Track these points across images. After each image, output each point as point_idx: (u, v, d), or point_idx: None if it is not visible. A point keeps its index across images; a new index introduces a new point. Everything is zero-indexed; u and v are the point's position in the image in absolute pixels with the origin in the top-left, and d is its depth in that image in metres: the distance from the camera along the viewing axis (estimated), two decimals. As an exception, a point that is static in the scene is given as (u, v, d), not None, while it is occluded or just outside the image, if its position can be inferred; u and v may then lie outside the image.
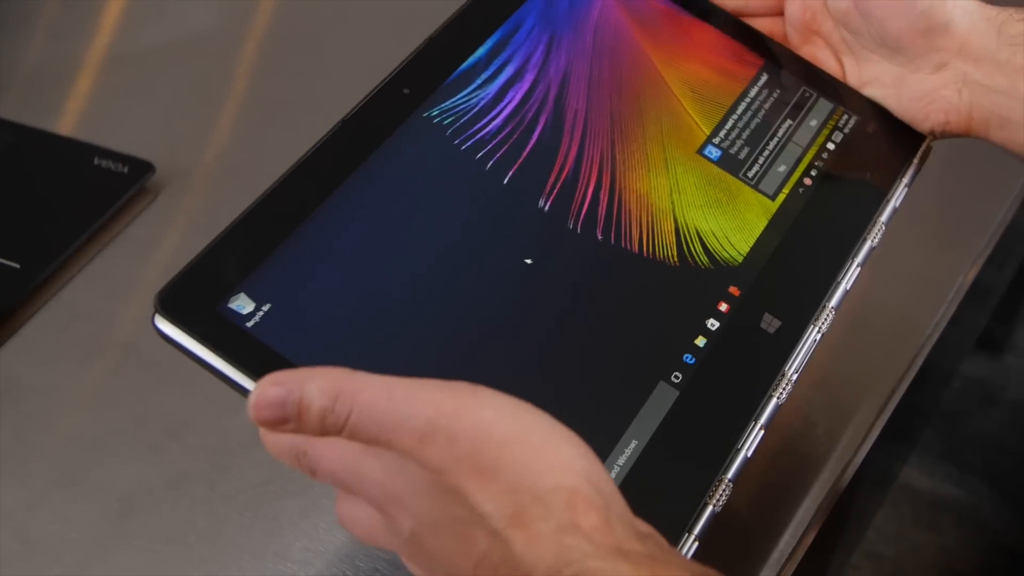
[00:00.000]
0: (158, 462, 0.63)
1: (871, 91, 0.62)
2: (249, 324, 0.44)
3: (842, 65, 0.63)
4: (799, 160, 0.59)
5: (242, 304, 0.44)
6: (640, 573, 0.37)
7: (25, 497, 0.61)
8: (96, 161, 0.78)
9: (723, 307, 0.52)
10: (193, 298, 0.44)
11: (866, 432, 0.65)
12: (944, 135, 0.61)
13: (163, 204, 0.78)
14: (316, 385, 0.39)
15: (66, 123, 0.84)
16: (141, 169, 0.77)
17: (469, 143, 0.52)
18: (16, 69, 0.90)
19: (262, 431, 0.43)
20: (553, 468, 0.39)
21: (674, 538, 0.44)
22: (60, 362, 0.68)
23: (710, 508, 0.46)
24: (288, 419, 0.40)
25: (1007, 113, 0.57)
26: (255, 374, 0.42)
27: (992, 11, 0.58)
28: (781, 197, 0.57)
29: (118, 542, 0.59)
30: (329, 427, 0.39)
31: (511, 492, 0.38)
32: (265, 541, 0.59)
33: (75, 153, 0.79)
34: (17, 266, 0.71)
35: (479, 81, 0.54)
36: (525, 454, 0.39)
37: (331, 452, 0.42)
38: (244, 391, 0.43)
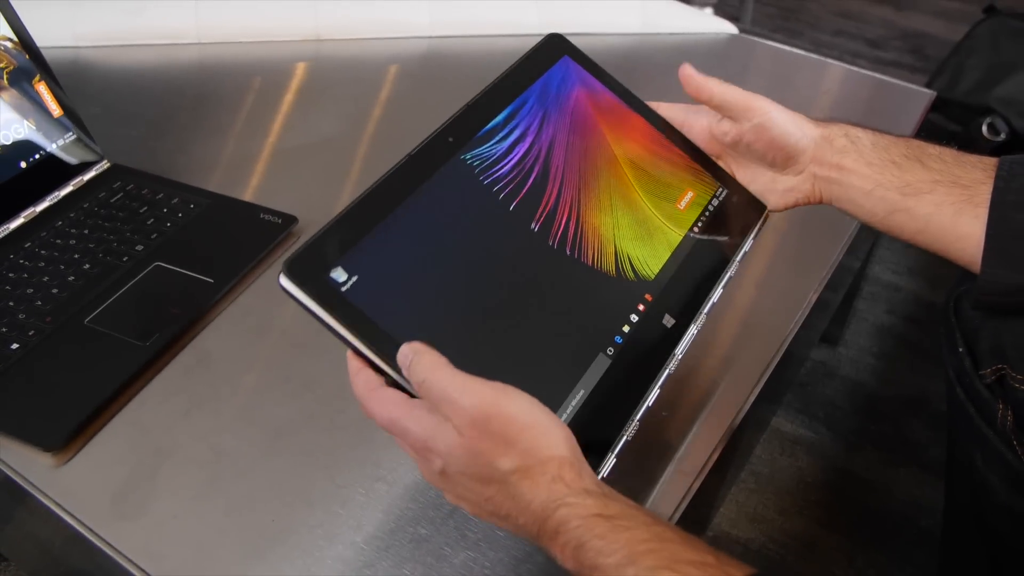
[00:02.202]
0: (298, 405, 0.63)
1: (752, 187, 0.61)
2: (343, 289, 0.43)
3: (730, 168, 0.62)
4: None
5: (339, 275, 0.43)
6: (597, 503, 0.40)
7: (215, 425, 0.61)
8: (261, 215, 0.78)
9: (641, 307, 0.52)
10: (307, 268, 0.43)
11: (749, 394, 0.65)
12: (798, 206, 0.61)
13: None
14: (412, 350, 0.43)
15: (245, 192, 0.84)
16: (289, 220, 0.77)
17: (489, 180, 0.51)
18: (218, 158, 0.90)
19: (351, 374, 0.45)
20: (550, 444, 0.41)
21: (600, 454, 0.46)
22: (237, 341, 0.68)
23: (624, 437, 0.47)
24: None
25: (840, 194, 0.58)
26: (346, 324, 0.43)
27: (826, 131, 0.58)
28: (679, 237, 0.56)
29: (272, 455, 0.59)
30: (409, 376, 0.43)
31: (523, 456, 0.41)
32: (365, 454, 0.59)
33: (248, 211, 0.79)
34: (211, 280, 0.71)
35: (497, 138, 0.53)
36: (534, 434, 0.41)
37: (382, 411, 0.44)
38: (339, 335, 0.43)
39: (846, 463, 1.24)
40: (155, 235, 0.75)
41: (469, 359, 0.43)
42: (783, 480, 1.21)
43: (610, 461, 0.46)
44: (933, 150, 0.57)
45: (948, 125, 1.89)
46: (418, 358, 0.42)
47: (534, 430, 0.41)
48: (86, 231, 0.76)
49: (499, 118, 0.54)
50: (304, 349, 0.67)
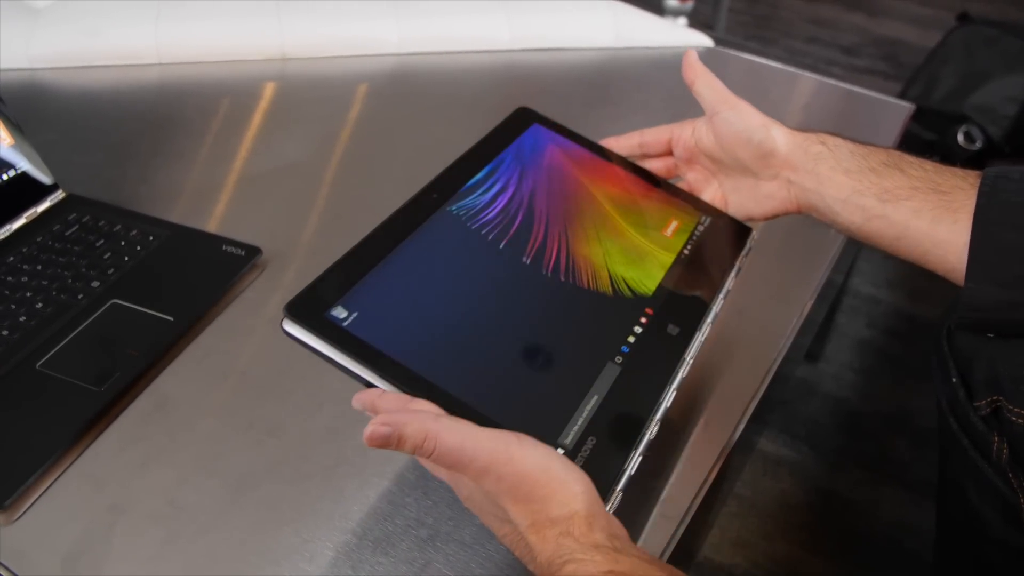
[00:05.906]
0: (262, 452, 0.60)
1: (733, 196, 0.63)
2: (345, 324, 0.46)
3: (715, 180, 0.63)
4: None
5: (339, 312, 0.46)
6: (607, 558, 0.39)
7: (173, 476, 0.58)
8: (224, 247, 0.75)
9: (643, 320, 0.54)
10: (307, 309, 0.46)
11: (739, 419, 0.64)
12: (779, 216, 0.62)
13: (268, 276, 0.75)
14: (410, 429, 0.41)
15: (209, 221, 0.82)
16: (253, 252, 0.74)
17: (477, 225, 0.55)
18: (180, 186, 0.87)
19: (369, 404, 0.45)
20: (564, 501, 0.41)
21: (624, 454, 0.46)
22: (198, 384, 0.65)
23: (647, 436, 0.48)
24: (391, 445, 0.42)
25: (816, 202, 0.58)
26: (350, 355, 0.45)
27: (800, 137, 0.59)
28: (671, 259, 0.58)
29: (234, 508, 0.56)
30: (419, 454, 0.42)
31: (534, 513, 0.41)
32: (333, 507, 0.56)
33: (210, 242, 0.76)
34: (171, 319, 0.68)
35: (480, 191, 0.57)
36: (546, 491, 0.41)
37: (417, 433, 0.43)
38: (347, 370, 0.45)
39: (830, 483, 1.22)
40: (112, 270, 0.72)
41: (476, 379, 0.46)
42: (766, 503, 1.19)
43: (635, 460, 0.46)
44: (913, 159, 0.57)
45: (923, 134, 1.89)
46: (409, 427, 0.42)
47: (548, 487, 0.41)
48: (39, 267, 0.72)
49: (479, 175, 0.58)
50: (267, 392, 0.64)
